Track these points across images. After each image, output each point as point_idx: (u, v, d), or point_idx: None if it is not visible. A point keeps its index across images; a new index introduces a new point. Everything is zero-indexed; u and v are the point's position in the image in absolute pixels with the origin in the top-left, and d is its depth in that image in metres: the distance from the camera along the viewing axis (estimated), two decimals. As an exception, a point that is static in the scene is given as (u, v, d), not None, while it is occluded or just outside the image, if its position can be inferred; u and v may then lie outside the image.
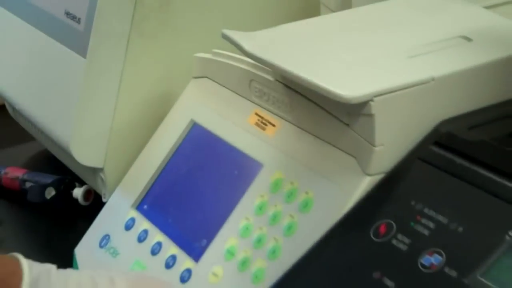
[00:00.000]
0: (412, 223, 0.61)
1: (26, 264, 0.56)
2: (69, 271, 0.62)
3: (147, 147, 0.90)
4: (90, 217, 0.92)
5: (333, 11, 0.92)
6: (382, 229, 0.62)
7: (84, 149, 0.92)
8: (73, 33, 0.91)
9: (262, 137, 0.78)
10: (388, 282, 0.59)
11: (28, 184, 1.07)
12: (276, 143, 0.77)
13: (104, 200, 0.94)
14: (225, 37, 0.75)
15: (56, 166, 1.10)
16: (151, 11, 0.90)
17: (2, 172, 1.11)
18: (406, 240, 0.61)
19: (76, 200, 1.04)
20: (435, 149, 0.66)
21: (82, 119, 0.90)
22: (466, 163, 0.63)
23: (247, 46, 0.72)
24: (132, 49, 0.90)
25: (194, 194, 0.81)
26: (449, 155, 0.65)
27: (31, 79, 1.02)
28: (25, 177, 1.08)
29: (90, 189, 1.04)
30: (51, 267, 0.59)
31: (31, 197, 1.05)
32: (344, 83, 0.66)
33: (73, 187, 1.06)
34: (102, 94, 0.90)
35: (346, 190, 0.68)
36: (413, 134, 0.68)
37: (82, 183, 1.05)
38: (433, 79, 0.67)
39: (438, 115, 0.68)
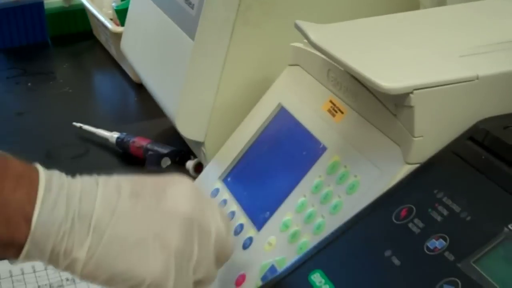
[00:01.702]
0: (429, 209, 0.66)
1: (40, 166, 0.64)
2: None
3: (241, 126, 0.98)
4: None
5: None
6: (404, 213, 0.67)
7: (188, 123, 1.01)
8: (187, 17, 1.01)
9: (330, 122, 0.84)
10: (396, 260, 0.63)
11: (149, 153, 1.18)
12: (341, 129, 0.82)
13: (204, 171, 1.03)
14: (297, 27, 0.81)
15: (178, 140, 1.20)
16: (256, 1, 0.97)
17: (131, 140, 1.23)
18: (420, 224, 0.65)
19: (188, 171, 1.14)
20: (469, 144, 0.69)
21: (187, 96, 0.99)
22: (493, 160, 0.67)
23: (312, 36, 0.79)
24: (236, 35, 0.98)
25: (268, 170, 0.88)
26: (480, 151, 0.68)
27: (155, 57, 1.13)
28: (148, 146, 1.19)
29: (200, 162, 1.13)
30: (60, 172, 0.65)
31: (149, 164, 1.15)
32: (389, 75, 0.71)
33: (188, 159, 1.15)
34: (207, 75, 0.99)
35: (388, 176, 0.73)
36: (453, 128, 0.72)
37: (196, 157, 1.15)
38: (477, 77, 0.71)
39: (479, 113, 0.72)
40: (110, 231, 0.63)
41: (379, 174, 0.74)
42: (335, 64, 0.83)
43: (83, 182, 0.65)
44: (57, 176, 0.65)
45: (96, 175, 0.68)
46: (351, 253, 0.67)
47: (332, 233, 0.70)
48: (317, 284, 0.66)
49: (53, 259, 0.64)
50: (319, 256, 0.69)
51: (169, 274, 0.65)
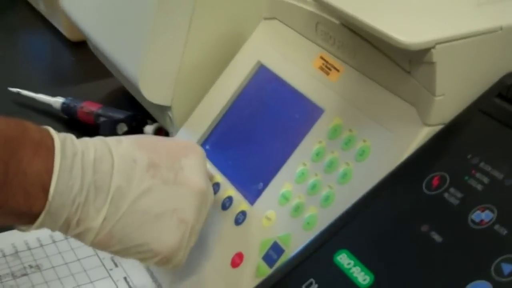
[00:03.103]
0: (466, 177, 0.59)
1: (54, 131, 0.63)
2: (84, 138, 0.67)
3: (214, 87, 0.89)
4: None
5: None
6: (435, 182, 0.60)
7: (153, 86, 0.92)
8: (147, -31, 0.91)
9: (325, 81, 0.77)
10: (436, 236, 0.57)
11: (101, 119, 1.08)
12: (339, 89, 0.75)
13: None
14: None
15: (130, 104, 1.11)
16: None
17: (79, 106, 1.13)
18: (458, 195, 0.58)
19: (147, 137, 1.05)
20: (498, 101, 0.63)
21: (151, 56, 0.90)
22: (529, 118, 0.60)
23: (310, -12, 0.71)
24: (203, -13, 0.89)
25: (255, 136, 0.80)
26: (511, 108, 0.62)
27: (107, 13, 1.02)
28: (100, 111, 1.10)
29: (160, 126, 1.04)
30: (71, 134, 0.65)
31: (103, 131, 1.06)
32: (406, 28, 0.64)
33: (145, 124, 1.06)
34: (172, 32, 0.90)
35: (403, 139, 0.66)
36: (476, 85, 0.65)
37: (154, 121, 1.06)
38: (501, 28, 0.64)
39: (504, 66, 0.65)
40: (129, 204, 0.63)
41: (393, 138, 0.67)
42: (328, 17, 0.76)
43: (96, 149, 0.64)
44: (70, 142, 0.62)
45: (102, 137, 0.66)
46: (380, 229, 0.60)
47: (353, 207, 0.63)
48: (346, 266, 0.59)
49: (64, 228, 0.63)
50: (342, 234, 0.62)
51: (182, 247, 0.67)
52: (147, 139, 0.70)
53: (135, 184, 0.64)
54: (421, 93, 0.65)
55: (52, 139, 0.62)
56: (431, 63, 0.63)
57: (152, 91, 0.92)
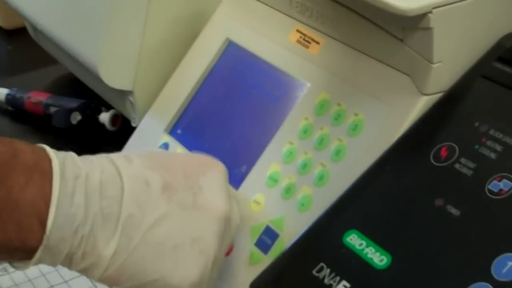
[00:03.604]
0: (476, 146, 0.56)
1: (52, 151, 0.55)
2: (87, 156, 0.59)
3: (179, 68, 0.85)
4: (118, 143, 0.88)
5: None
6: (443, 153, 0.57)
7: (113, 70, 0.86)
8: None
9: (305, 55, 0.73)
10: (453, 209, 0.54)
11: (52, 109, 1.02)
12: (321, 62, 0.71)
13: (133, 124, 0.89)
14: None
15: (80, 90, 1.05)
16: None
17: (25, 96, 1.06)
18: (471, 165, 0.56)
19: (103, 125, 0.99)
20: (499, 65, 0.60)
21: (110, 38, 0.85)
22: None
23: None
24: (161, -38, 0.84)
25: (231, 117, 0.76)
26: (514, 71, 0.59)
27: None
28: (49, 101, 1.04)
29: (117, 113, 0.99)
30: (72, 153, 0.56)
31: (56, 122, 1.00)
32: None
33: (100, 111, 1.01)
34: (131, 11, 0.84)
35: (400, 111, 0.63)
36: (474, 49, 0.63)
37: (108, 107, 1.01)
38: (497, -11, 0.62)
39: (502, 28, 0.63)
40: (142, 234, 0.55)
41: (388, 110, 0.64)
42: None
43: (102, 170, 0.55)
44: (71, 162, 0.54)
45: (107, 155, 0.58)
46: (390, 206, 0.57)
47: (357, 184, 0.60)
48: (358, 247, 0.56)
49: (66, 262, 0.54)
50: (349, 213, 0.58)
51: (204, 279, 0.59)
52: (160, 156, 0.62)
53: (148, 211, 0.56)
54: (416, 61, 0.62)
55: (49, 160, 0.53)
56: (428, 29, 0.60)
57: (112, 76, 0.87)
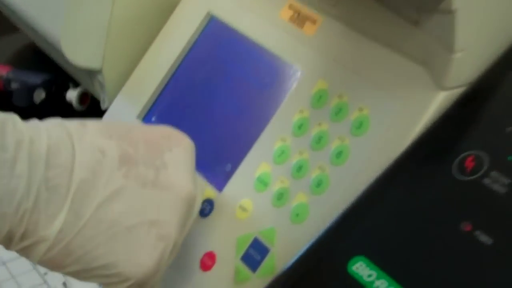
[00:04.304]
0: (510, 157, 0.47)
1: None
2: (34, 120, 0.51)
3: (153, 47, 0.74)
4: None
5: None
6: (469, 164, 0.48)
7: (78, 46, 0.76)
8: None
9: (299, 36, 0.63)
10: (483, 236, 0.45)
11: (14, 85, 0.91)
12: (318, 44, 0.61)
13: (103, 107, 0.79)
14: None
15: (45, 63, 0.94)
16: None
17: (-17, 70, 0.95)
18: (504, 180, 0.46)
19: (70, 104, 0.89)
20: (535, 57, 0.51)
21: (74, 9, 0.74)
22: None
23: None
24: None
25: (213, 105, 0.66)
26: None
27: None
28: (10, 76, 0.93)
29: (86, 91, 0.88)
30: (14, 115, 0.49)
31: (18, 100, 0.90)
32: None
33: (66, 88, 0.90)
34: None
35: (413, 108, 0.54)
36: (504, 36, 0.53)
37: (76, 84, 0.90)
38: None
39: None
40: (93, 210, 0.48)
41: (399, 106, 0.54)
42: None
43: (50, 135, 0.48)
44: (11, 126, 0.46)
45: (60, 119, 0.50)
46: (404, 227, 0.48)
47: (363, 197, 0.50)
48: (366, 278, 0.46)
49: (5, 241, 0.47)
50: (354, 234, 0.49)
51: (159, 269, 0.52)
52: (120, 125, 0.54)
53: (102, 184, 0.49)
54: (433, 49, 0.53)
55: None
56: (450, 12, 0.50)
57: (78, 53, 0.76)
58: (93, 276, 0.50)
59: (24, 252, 0.48)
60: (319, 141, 0.57)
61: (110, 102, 0.77)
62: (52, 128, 0.49)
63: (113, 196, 0.49)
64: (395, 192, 0.49)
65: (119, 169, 0.50)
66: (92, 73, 0.79)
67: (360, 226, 0.49)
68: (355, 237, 0.49)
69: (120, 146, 0.51)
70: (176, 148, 0.54)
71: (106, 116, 0.75)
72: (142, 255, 0.50)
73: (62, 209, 0.47)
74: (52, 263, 0.49)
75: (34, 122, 0.49)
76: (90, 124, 0.51)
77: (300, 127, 0.59)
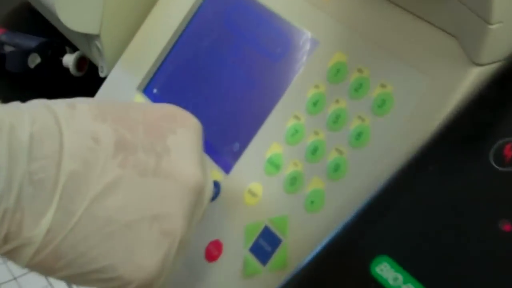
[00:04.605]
0: (556, 145, 0.41)
1: None
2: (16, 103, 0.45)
3: (155, 11, 0.69)
4: (86, 91, 0.72)
5: None
6: (508, 152, 0.42)
7: (74, 9, 0.70)
8: None
9: (315, 2, 0.57)
10: (526, 238, 0.39)
11: (7, 49, 0.85)
12: (337, 12, 0.55)
13: (102, 74, 0.74)
14: None
15: (41, 25, 0.88)
16: None
17: (-25, 32, 0.89)
18: (550, 172, 0.40)
19: (67, 69, 0.83)
20: None
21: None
22: None
23: None
24: None
25: (220, 78, 0.60)
26: None
27: None
28: (3, 38, 0.87)
29: (83, 55, 0.83)
30: None
31: (11, 65, 0.84)
32: None
33: (63, 53, 0.84)
34: None
35: (443, 85, 0.48)
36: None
37: (74, 48, 0.84)
38: None
39: None
40: (86, 206, 0.42)
41: (427, 83, 0.49)
42: None
43: (33, 120, 0.42)
44: None
45: (44, 101, 0.44)
46: (434, 224, 0.42)
47: (387, 188, 0.45)
48: (391, 282, 0.41)
49: None
50: (377, 230, 0.43)
51: (166, 269, 0.46)
52: (115, 105, 0.47)
53: (96, 176, 0.43)
54: (467, 19, 0.47)
55: None
56: (487, -22, 0.44)
57: (74, 16, 0.70)
58: (89, 281, 0.45)
59: (9, 256, 0.43)
60: (336, 120, 0.52)
61: (109, 70, 0.72)
62: (36, 112, 0.43)
63: (108, 189, 0.43)
64: (423, 183, 0.44)
65: (114, 157, 0.44)
66: (89, 38, 0.73)
67: (384, 221, 0.44)
68: (378, 233, 0.43)
69: (116, 130, 0.44)
70: (181, 129, 0.47)
71: (103, 87, 0.70)
72: (144, 255, 0.45)
73: (49, 207, 0.42)
74: (42, 268, 0.44)
75: (14, 105, 0.43)
76: (80, 106, 0.45)
77: (316, 104, 0.53)
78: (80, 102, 0.45)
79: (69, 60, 0.84)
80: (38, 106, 0.44)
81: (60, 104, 0.44)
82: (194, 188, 0.46)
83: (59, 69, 0.84)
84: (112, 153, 0.44)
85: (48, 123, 0.42)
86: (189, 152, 0.47)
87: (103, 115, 0.45)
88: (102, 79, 0.73)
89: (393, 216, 0.44)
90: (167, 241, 0.45)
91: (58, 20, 0.72)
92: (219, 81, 0.60)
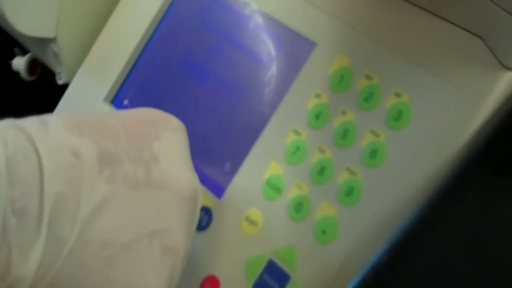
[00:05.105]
0: None
1: None
2: None
3: (118, 9, 0.61)
4: (39, 98, 0.65)
5: None
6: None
7: (26, 11, 0.62)
8: None
9: (308, -2, 0.50)
10: None
11: None
12: (336, 9, 0.49)
13: (60, 82, 0.66)
14: None
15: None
16: None
17: None
18: None
19: (17, 73, 0.75)
20: None
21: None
22: None
23: None
24: None
25: (202, 86, 0.53)
26: None
27: None
28: None
29: (36, 58, 0.75)
30: None
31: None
32: None
33: (12, 56, 0.76)
34: None
35: (469, 93, 0.42)
36: None
37: (24, 51, 0.76)
38: None
39: None
40: (78, 232, 0.37)
41: (451, 91, 0.43)
42: None
43: (5, 142, 0.36)
44: None
45: (14, 121, 0.38)
46: (478, 260, 0.36)
47: (417, 217, 0.38)
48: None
49: None
50: (409, 269, 0.37)
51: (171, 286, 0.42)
52: (89, 115, 0.42)
53: (83, 196, 0.38)
54: (495, 15, 0.40)
55: None
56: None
57: (26, 19, 0.62)
58: None
59: None
60: (345, 136, 0.45)
61: (69, 77, 0.64)
62: (5, 133, 0.37)
63: (99, 209, 0.38)
64: (464, 211, 0.38)
65: (100, 173, 0.39)
66: (44, 42, 0.65)
67: (417, 258, 0.38)
68: (410, 273, 0.37)
69: (96, 142, 0.40)
70: (165, 133, 0.43)
71: (64, 99, 0.62)
72: (148, 276, 0.40)
73: (37, 238, 0.36)
74: None
75: None
76: (52, 120, 0.40)
77: (318, 117, 0.47)
78: (51, 117, 0.40)
79: (19, 63, 0.75)
80: (5, 127, 0.38)
81: (29, 122, 0.39)
82: (190, 195, 0.43)
83: (8, 74, 0.76)
84: (97, 168, 0.39)
85: (21, 144, 0.37)
86: (178, 156, 0.43)
87: (79, 127, 0.40)
88: (58, 85, 0.65)
89: (427, 251, 0.37)
90: (170, 258, 0.41)
91: (5, 21, 0.64)
92: (200, 89, 0.53)
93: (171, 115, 0.45)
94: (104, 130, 0.41)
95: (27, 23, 0.62)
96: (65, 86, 0.64)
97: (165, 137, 0.43)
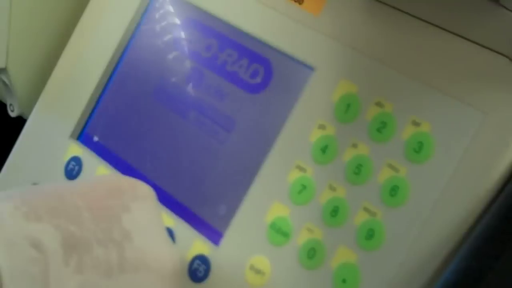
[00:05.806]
0: None
1: None
2: None
3: (77, 34, 0.55)
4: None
5: None
6: None
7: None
8: None
9: (300, 16, 0.45)
10: None
11: None
12: (334, 29, 0.44)
13: (11, 114, 0.60)
14: None
15: None
16: None
17: None
18: None
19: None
20: None
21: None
22: None
23: None
24: None
25: (185, 118, 0.48)
26: None
27: None
28: None
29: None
30: None
31: None
32: None
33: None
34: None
35: (501, 120, 0.38)
36: None
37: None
38: None
39: None
40: None
41: (478, 118, 0.39)
42: None
43: None
44: None
45: None
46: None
47: (459, 269, 0.34)
48: None
49: None
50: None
51: None
52: (41, 193, 0.37)
53: None
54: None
55: None
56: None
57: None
58: None
59: None
60: (358, 171, 0.41)
61: (23, 110, 0.58)
62: None
63: None
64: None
65: (67, 264, 0.34)
66: (-8, 72, 0.59)
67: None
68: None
69: (57, 226, 0.35)
70: (134, 203, 0.39)
71: (23, 137, 0.56)
72: None
73: None
74: None
75: None
76: (2, 206, 0.34)
77: (325, 150, 0.42)
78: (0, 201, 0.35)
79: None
80: None
81: None
82: (172, 272, 0.38)
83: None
84: (62, 258, 0.34)
85: None
86: (152, 228, 0.39)
87: (35, 210, 0.35)
88: (9, 117, 0.60)
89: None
90: None
91: None
92: (182, 122, 0.48)
93: (136, 180, 0.40)
94: (64, 210, 0.36)
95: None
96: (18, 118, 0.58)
97: (135, 208, 0.39)
